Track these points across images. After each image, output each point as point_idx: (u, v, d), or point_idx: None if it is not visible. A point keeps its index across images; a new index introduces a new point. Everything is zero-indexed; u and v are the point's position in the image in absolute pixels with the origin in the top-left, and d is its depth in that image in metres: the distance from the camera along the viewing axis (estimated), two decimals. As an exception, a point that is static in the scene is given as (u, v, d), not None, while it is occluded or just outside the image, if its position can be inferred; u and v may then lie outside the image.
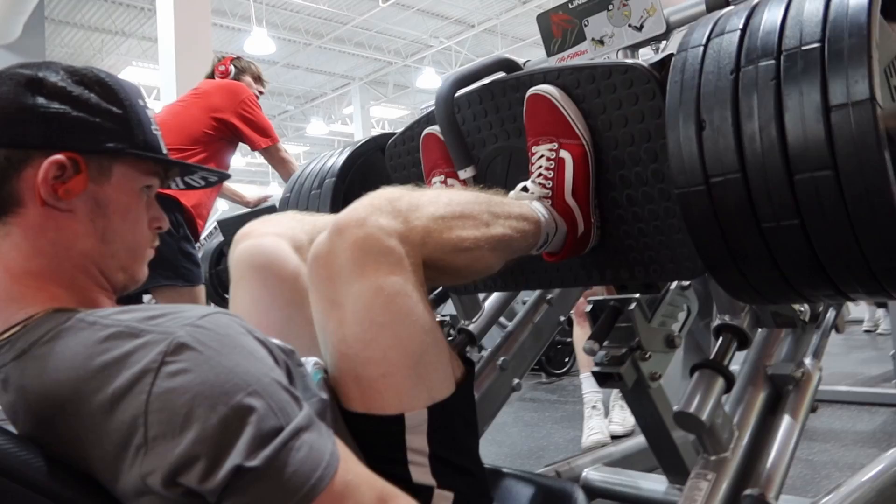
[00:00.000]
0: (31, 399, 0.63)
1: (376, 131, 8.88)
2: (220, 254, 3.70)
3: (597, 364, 1.37)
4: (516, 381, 1.57)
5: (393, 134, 1.39)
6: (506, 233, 0.88)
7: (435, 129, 1.20)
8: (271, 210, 3.18)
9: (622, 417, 2.56)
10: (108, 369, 0.59)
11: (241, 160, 16.70)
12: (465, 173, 1.16)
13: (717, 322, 1.08)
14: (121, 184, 0.71)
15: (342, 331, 0.74)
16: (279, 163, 2.63)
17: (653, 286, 1.23)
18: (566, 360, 4.01)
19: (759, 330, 1.17)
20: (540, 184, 1.02)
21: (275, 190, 15.42)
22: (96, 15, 10.16)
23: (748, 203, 0.73)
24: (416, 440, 0.74)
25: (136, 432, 0.57)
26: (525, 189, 1.02)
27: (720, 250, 0.78)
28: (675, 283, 1.44)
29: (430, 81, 12.56)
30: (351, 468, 0.63)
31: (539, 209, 0.98)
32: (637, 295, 1.38)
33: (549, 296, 1.67)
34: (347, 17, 10.96)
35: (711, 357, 1.03)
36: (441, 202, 0.82)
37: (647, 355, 1.36)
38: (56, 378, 0.61)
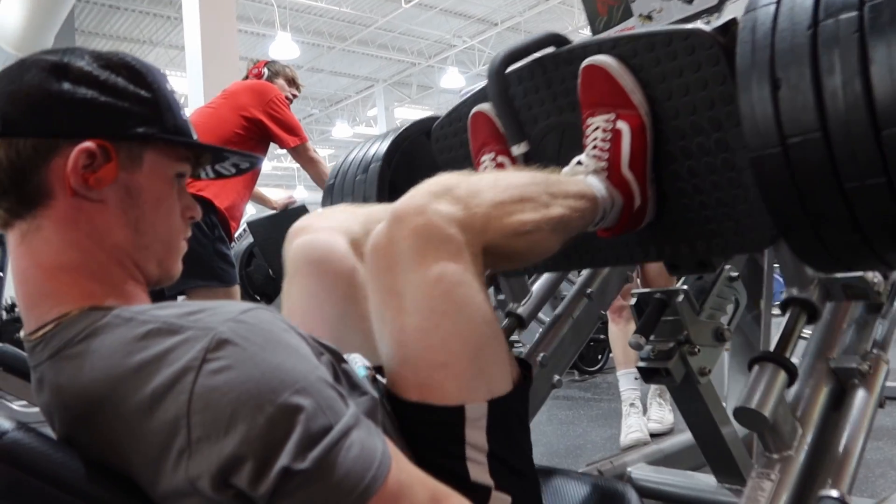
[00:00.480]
0: (67, 399, 0.60)
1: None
2: (251, 255, 3.70)
3: (643, 359, 1.32)
4: (556, 377, 1.52)
5: (437, 117, 1.36)
6: (565, 213, 0.86)
7: (484, 107, 1.18)
8: (301, 211, 3.17)
9: (661, 415, 2.49)
10: (146, 367, 0.56)
11: (268, 164, 16.84)
12: (518, 149, 1.13)
13: (784, 296, 1.04)
14: (152, 171, 0.67)
15: (401, 320, 0.72)
16: (308, 162, 2.61)
17: (708, 265, 1.19)
18: (599, 357, 3.94)
19: (820, 322, 1.11)
20: (595, 156, 0.98)
21: (301, 193, 15.52)
22: (125, 25, 10.31)
23: (829, 162, 0.69)
24: (476, 435, 0.71)
25: (179, 434, 0.54)
26: (579, 164, 0.98)
27: (796, 214, 0.75)
28: (724, 274, 1.38)
29: (454, 81, 12.53)
30: (403, 467, 0.59)
31: (595, 184, 0.95)
32: (685, 287, 1.32)
33: (589, 290, 1.61)
34: (370, 20, 10.97)
35: (780, 334, 0.99)
36: (500, 187, 0.80)
37: (695, 349, 1.30)
38: (93, 377, 0.58)
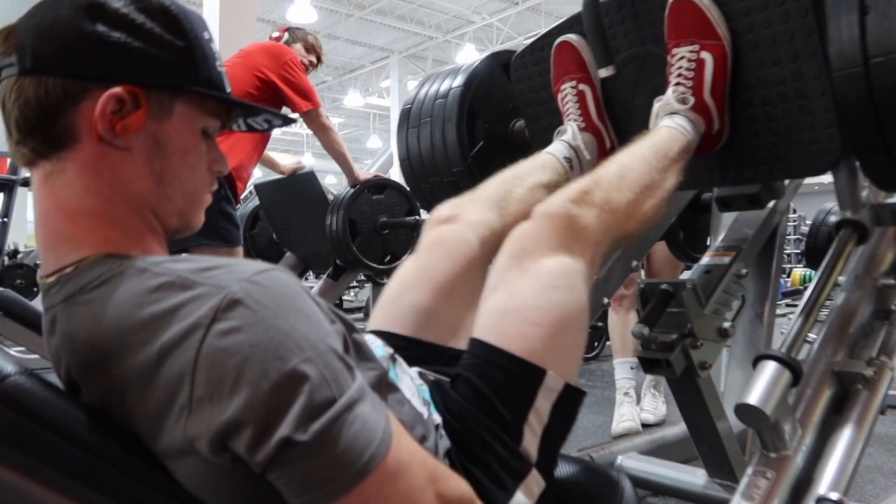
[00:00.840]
0: (76, 345, 0.59)
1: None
2: (256, 218, 3.69)
3: (644, 349, 1.31)
4: (556, 362, 1.52)
5: (513, 51, 1.50)
6: (675, 179, 1.02)
7: (570, 37, 1.29)
8: (309, 177, 3.15)
9: (654, 406, 2.49)
10: (156, 321, 0.55)
11: (278, 129, 16.75)
12: (605, 72, 1.26)
13: (837, 218, 1.12)
14: (182, 123, 0.65)
15: (516, 284, 0.80)
16: (320, 129, 2.58)
17: (758, 201, 1.27)
18: (596, 344, 3.94)
19: (827, 322, 1.10)
20: (679, 83, 1.09)
21: (309, 160, 15.46)
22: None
23: None
24: (544, 404, 0.73)
25: (182, 390, 0.53)
26: (665, 101, 1.10)
27: (872, 133, 0.81)
28: (732, 270, 1.36)
29: (470, 58, 12.38)
30: (404, 446, 0.58)
31: (685, 128, 1.07)
32: (693, 279, 1.31)
33: (594, 278, 1.60)
34: (390, -11, 10.84)
35: (815, 279, 1.04)
36: (625, 184, 0.94)
37: (698, 343, 1.29)
38: (103, 326, 0.57)
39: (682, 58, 1.10)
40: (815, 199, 4.75)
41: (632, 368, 2.45)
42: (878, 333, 1.11)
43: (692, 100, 1.09)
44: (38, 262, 5.96)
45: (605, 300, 1.63)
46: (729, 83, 1.09)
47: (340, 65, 14.61)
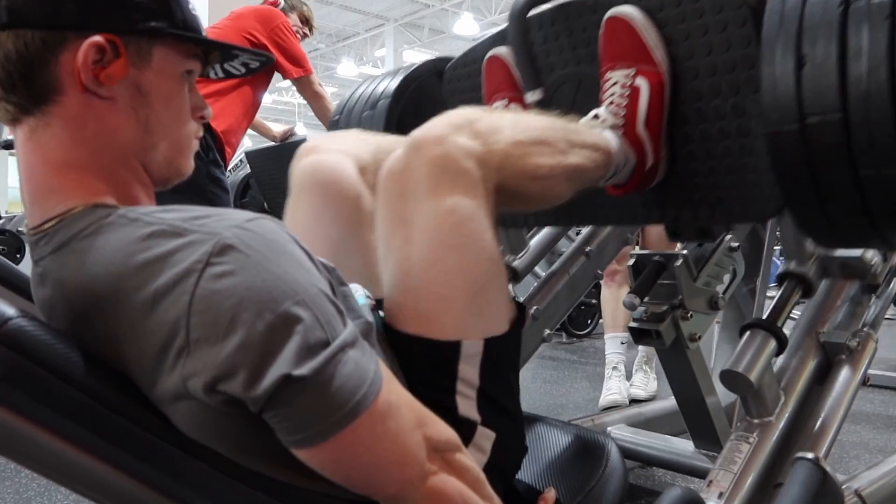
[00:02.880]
0: (68, 293, 0.61)
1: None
2: (247, 186, 3.69)
3: (635, 320, 1.35)
4: (547, 331, 1.56)
5: (450, 59, 1.37)
6: (581, 162, 0.88)
7: (500, 51, 1.18)
8: (300, 144, 3.15)
9: (644, 382, 2.54)
10: (149, 267, 0.57)
11: (268, 97, 16.60)
12: (533, 95, 1.15)
13: (781, 269, 1.08)
14: (162, 68, 0.67)
15: (407, 249, 0.74)
16: (312, 96, 2.58)
17: (709, 233, 1.22)
18: (589, 321, 3.99)
19: (814, 298, 1.14)
20: (612, 112, 0.99)
21: (300, 130, 15.34)
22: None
23: (846, 146, 0.70)
24: (468, 371, 0.73)
25: (178, 334, 0.55)
26: (596, 117, 0.99)
27: (807, 192, 0.76)
28: (724, 244, 1.40)
29: (468, 28, 12.31)
30: (393, 388, 0.62)
31: (611, 139, 0.96)
32: (684, 252, 1.34)
33: (588, 248, 1.63)
34: (387, -46, 10.71)
35: (773, 304, 1.03)
36: (520, 127, 0.82)
37: (688, 315, 1.33)
38: (96, 273, 0.59)
39: (616, 83, 1.00)
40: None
41: (622, 343, 2.49)
42: (864, 306, 1.15)
43: (622, 130, 0.99)
44: (20, 228, 5.94)
45: (598, 271, 1.66)
46: (667, 114, 1.00)
47: (333, 32, 14.47)
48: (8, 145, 5.02)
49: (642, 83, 0.98)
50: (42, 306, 0.66)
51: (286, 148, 3.19)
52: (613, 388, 2.43)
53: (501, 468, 0.77)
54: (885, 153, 0.68)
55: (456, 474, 0.65)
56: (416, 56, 14.93)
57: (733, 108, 0.94)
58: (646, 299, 1.33)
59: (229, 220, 0.58)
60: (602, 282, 2.57)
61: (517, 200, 0.82)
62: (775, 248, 1.83)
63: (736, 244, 1.42)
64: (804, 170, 0.75)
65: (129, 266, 0.57)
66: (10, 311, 0.57)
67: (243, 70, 0.76)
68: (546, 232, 1.66)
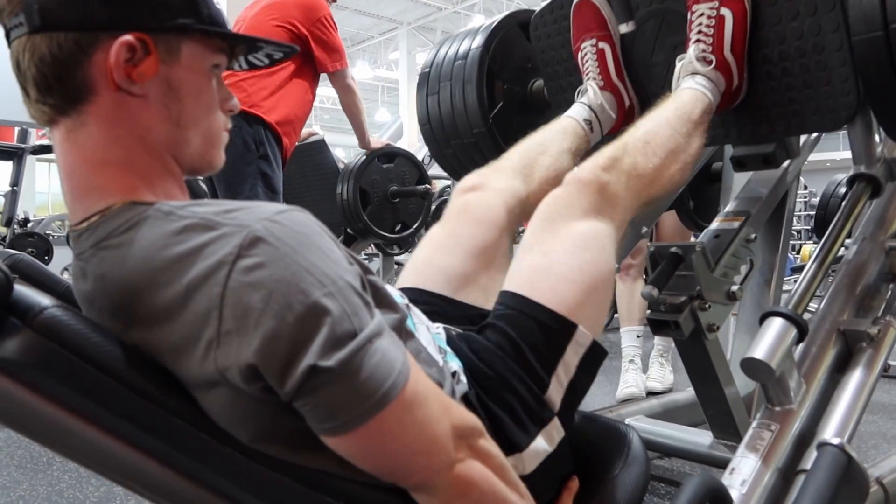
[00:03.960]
0: (108, 286, 0.62)
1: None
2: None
3: (653, 311, 1.33)
4: (565, 324, 1.54)
5: (532, 10, 1.52)
6: (699, 141, 1.05)
7: None
8: (320, 145, 3.16)
9: (661, 375, 2.52)
10: (182, 260, 0.57)
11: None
12: (626, 28, 1.29)
13: (851, 173, 1.15)
14: (191, 64, 0.67)
15: (550, 244, 0.85)
16: (344, 89, 2.54)
17: (773, 161, 1.31)
18: (603, 316, 3.96)
19: (834, 285, 1.12)
20: (699, 40, 1.11)
21: (316, 130, 15.38)
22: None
23: None
24: (572, 357, 0.78)
25: (210, 325, 0.56)
26: (688, 61, 1.12)
27: (891, 93, 0.86)
28: (741, 234, 1.38)
29: (480, 30, 12.25)
30: (420, 379, 0.62)
31: (707, 88, 1.10)
32: (701, 242, 1.33)
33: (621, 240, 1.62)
34: (400, -42, 10.71)
35: (838, 214, 1.09)
36: (650, 150, 0.98)
37: (706, 305, 1.31)
38: (132, 267, 0.60)
39: (702, 14, 1.11)
40: (825, 175, 4.73)
41: (638, 337, 2.48)
42: (883, 294, 1.13)
43: (713, 58, 1.11)
44: (48, 231, 6.01)
45: (615, 265, 1.64)
46: (748, 39, 1.11)
47: (348, 36, 14.50)
48: (35, 151, 5.08)
49: (727, 12, 1.10)
50: (82, 300, 0.67)
51: (305, 148, 3.20)
52: (630, 381, 2.41)
53: (557, 467, 0.78)
54: None
55: (481, 460, 0.65)
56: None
57: (810, 28, 1.04)
58: (664, 291, 1.32)
59: (259, 213, 0.58)
60: (617, 276, 2.55)
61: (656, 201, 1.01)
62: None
63: (753, 235, 1.40)
64: (889, 73, 0.84)
65: (162, 259, 0.58)
66: (46, 301, 0.57)
67: (267, 61, 0.76)
68: None
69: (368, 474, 0.61)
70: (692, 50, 1.13)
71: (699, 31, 1.12)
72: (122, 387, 0.58)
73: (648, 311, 1.34)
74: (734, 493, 0.86)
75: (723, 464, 0.96)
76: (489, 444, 0.67)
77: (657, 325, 1.33)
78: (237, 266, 0.55)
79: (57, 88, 0.63)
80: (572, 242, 0.84)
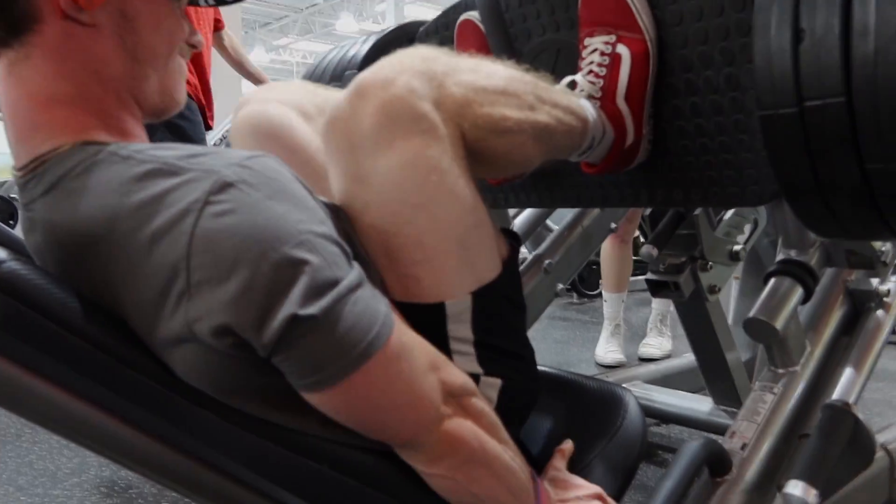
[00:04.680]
0: (60, 236, 0.60)
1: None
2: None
3: (652, 272, 1.33)
4: (560, 286, 1.55)
5: (423, 22, 1.31)
6: (551, 122, 0.78)
7: (473, 15, 1.12)
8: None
9: (659, 341, 2.55)
10: (145, 208, 0.55)
11: (265, 56, 16.44)
12: None
13: (780, 256, 1.00)
14: None
15: (370, 213, 0.68)
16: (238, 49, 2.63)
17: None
18: (600, 281, 3.98)
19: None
20: (590, 81, 0.91)
21: (299, 90, 15.17)
22: None
23: (851, 135, 0.64)
24: (460, 329, 0.71)
25: (178, 276, 0.54)
26: (573, 85, 0.92)
27: (805, 181, 0.70)
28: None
29: (472, -21, 12.04)
30: (405, 331, 0.61)
31: (588, 108, 0.88)
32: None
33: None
34: None
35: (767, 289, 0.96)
36: (482, 71, 0.73)
37: (708, 266, 1.31)
38: (89, 214, 0.57)
39: (595, 50, 0.92)
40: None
41: (622, 303, 2.49)
42: (893, 257, 1.13)
43: (598, 102, 0.91)
44: (12, 194, 5.94)
45: (613, 224, 1.64)
46: (652, 87, 0.93)
47: (332, -14, 14.24)
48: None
49: (624, 51, 0.90)
50: (34, 252, 0.65)
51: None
52: (616, 347, 2.44)
53: (512, 410, 0.75)
54: (895, 146, 0.62)
55: (472, 419, 0.64)
56: (419, 11, 14.68)
57: (727, 80, 0.87)
58: (663, 250, 1.32)
59: (228, 158, 0.56)
60: (607, 239, 2.53)
61: (482, 160, 0.73)
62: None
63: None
64: (802, 158, 0.68)
65: (124, 206, 0.56)
66: (2, 254, 0.56)
67: None
68: (529, 213, 1.63)
69: (352, 434, 0.61)
70: (580, 77, 0.93)
71: (590, 71, 0.92)
72: (85, 343, 0.57)
73: (648, 273, 1.35)
74: (734, 458, 0.87)
75: (723, 430, 0.97)
76: (480, 402, 0.67)
77: (656, 287, 1.33)
78: (205, 212, 0.53)
79: None
80: (396, 199, 0.66)
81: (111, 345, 0.58)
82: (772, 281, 0.98)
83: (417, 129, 0.65)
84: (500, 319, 0.75)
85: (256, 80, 3.02)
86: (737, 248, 1.36)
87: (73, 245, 0.59)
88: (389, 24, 13.43)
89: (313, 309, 0.53)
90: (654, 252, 1.28)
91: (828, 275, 1.07)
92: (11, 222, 5.74)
